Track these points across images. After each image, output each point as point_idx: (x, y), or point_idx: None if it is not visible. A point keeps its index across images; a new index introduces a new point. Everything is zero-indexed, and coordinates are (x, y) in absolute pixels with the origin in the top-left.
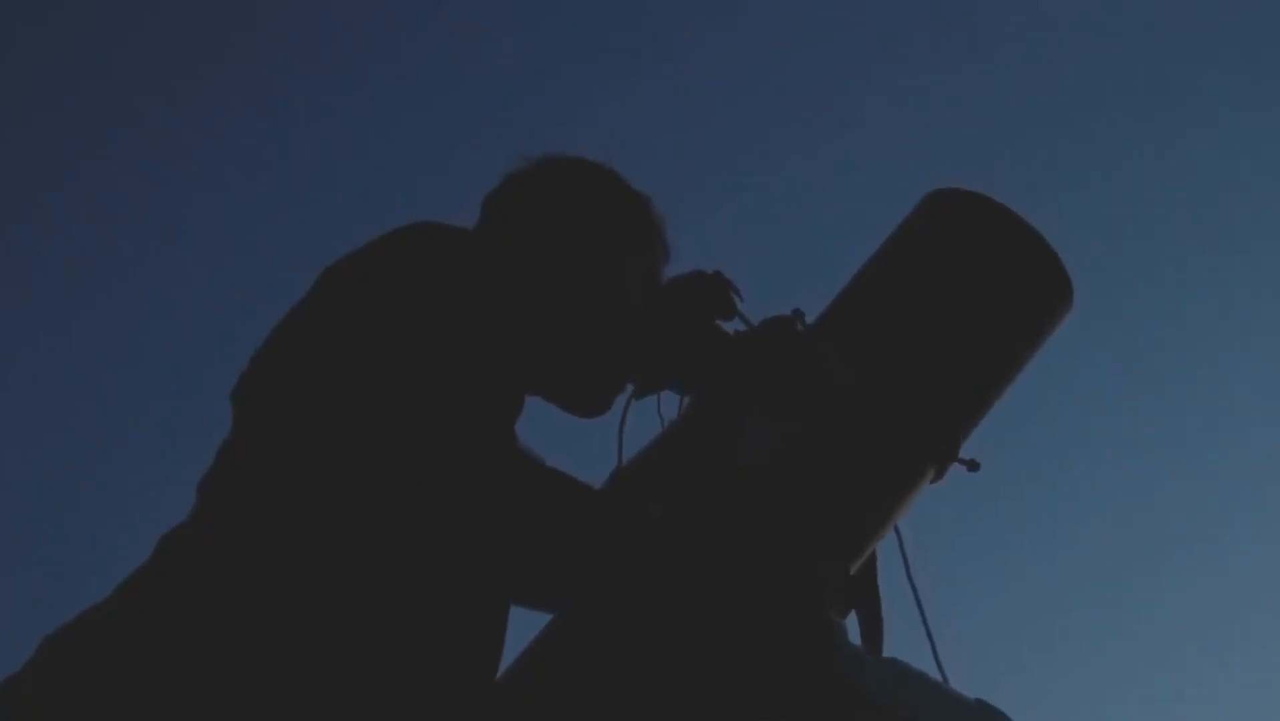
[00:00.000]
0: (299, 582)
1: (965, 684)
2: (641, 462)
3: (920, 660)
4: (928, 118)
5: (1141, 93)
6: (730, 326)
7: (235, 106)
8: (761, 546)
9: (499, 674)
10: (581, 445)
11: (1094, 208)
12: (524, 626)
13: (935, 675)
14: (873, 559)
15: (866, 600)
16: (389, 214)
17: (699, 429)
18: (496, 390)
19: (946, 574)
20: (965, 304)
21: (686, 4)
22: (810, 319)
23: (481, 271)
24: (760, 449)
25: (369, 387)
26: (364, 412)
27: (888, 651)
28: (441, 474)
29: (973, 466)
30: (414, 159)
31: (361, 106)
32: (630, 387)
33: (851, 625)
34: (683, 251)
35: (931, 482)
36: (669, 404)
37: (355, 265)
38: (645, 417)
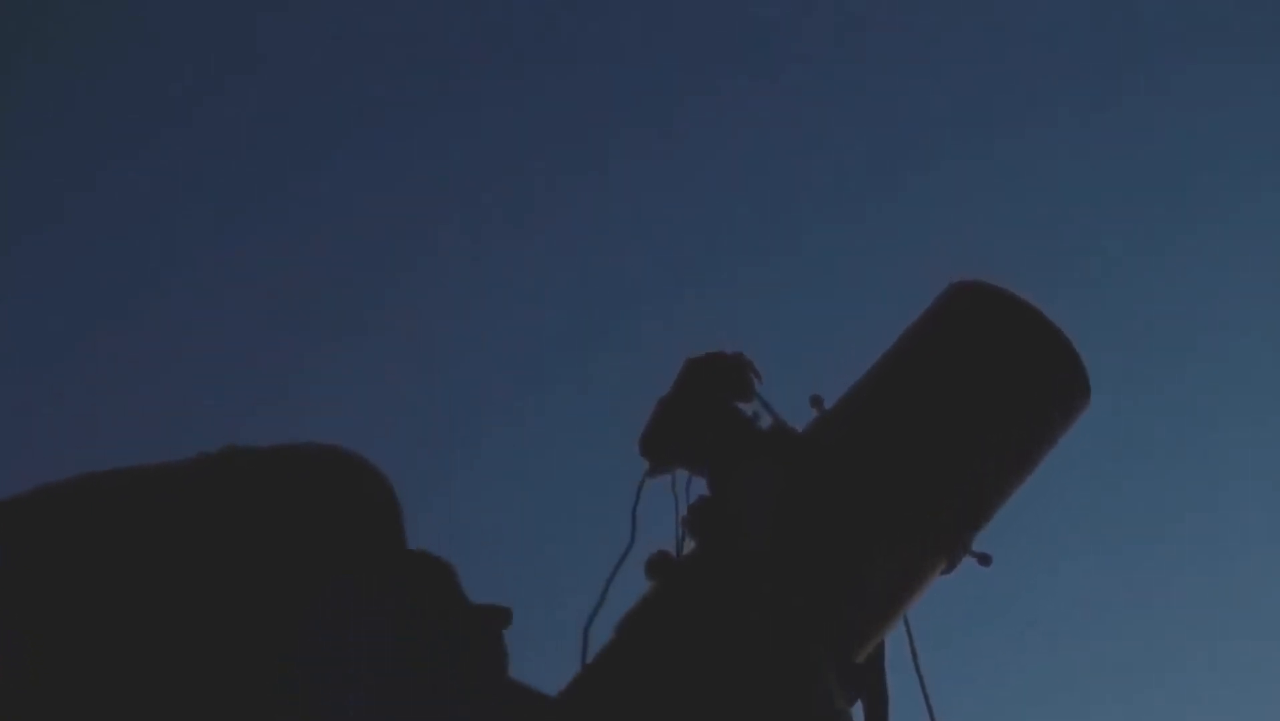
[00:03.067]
0: None
1: None
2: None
3: None
4: (956, 201)
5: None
6: (749, 408)
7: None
8: (755, 633)
9: None
10: (597, 523)
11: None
12: None
13: None
14: (881, 648)
15: (872, 689)
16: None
17: (708, 514)
18: None
19: (953, 665)
20: (981, 399)
21: (728, 70)
22: (829, 404)
23: None
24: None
25: None
26: None
27: None
28: None
29: (984, 560)
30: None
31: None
32: (645, 465)
33: (857, 713)
34: (704, 331)
35: (942, 574)
36: (684, 482)
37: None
38: (659, 495)
